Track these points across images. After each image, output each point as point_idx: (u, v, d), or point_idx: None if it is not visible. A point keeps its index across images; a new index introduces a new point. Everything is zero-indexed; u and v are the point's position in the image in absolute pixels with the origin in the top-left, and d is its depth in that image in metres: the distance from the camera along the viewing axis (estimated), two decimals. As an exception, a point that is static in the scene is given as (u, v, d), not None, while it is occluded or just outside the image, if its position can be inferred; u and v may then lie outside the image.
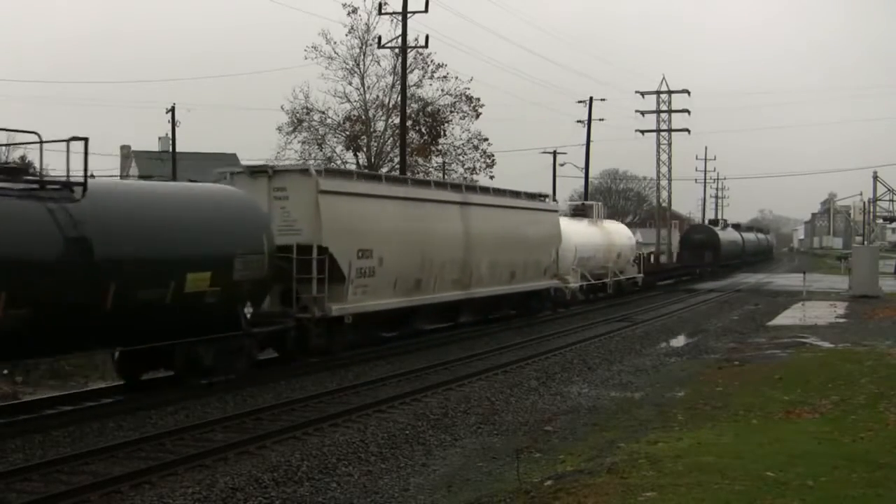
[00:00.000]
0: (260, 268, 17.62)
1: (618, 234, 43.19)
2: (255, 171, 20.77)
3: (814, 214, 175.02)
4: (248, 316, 17.43)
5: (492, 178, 51.55)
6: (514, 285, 29.46)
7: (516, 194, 31.59)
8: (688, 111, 71.69)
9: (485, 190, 30.28)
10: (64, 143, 14.72)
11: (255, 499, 10.70)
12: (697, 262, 64.46)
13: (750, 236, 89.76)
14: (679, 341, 27.09)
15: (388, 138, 47.62)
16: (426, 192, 25.13)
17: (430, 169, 50.10)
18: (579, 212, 41.16)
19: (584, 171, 59.58)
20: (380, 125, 48.17)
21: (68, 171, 14.81)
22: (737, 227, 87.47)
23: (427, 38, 40.50)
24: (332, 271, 19.95)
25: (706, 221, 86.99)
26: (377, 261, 21.50)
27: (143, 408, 15.49)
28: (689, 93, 71.37)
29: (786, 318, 32.95)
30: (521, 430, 14.66)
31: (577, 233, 37.02)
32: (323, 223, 19.88)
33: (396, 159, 44.04)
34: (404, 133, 39.59)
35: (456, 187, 27.96)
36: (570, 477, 10.50)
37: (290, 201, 20.14)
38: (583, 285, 37.68)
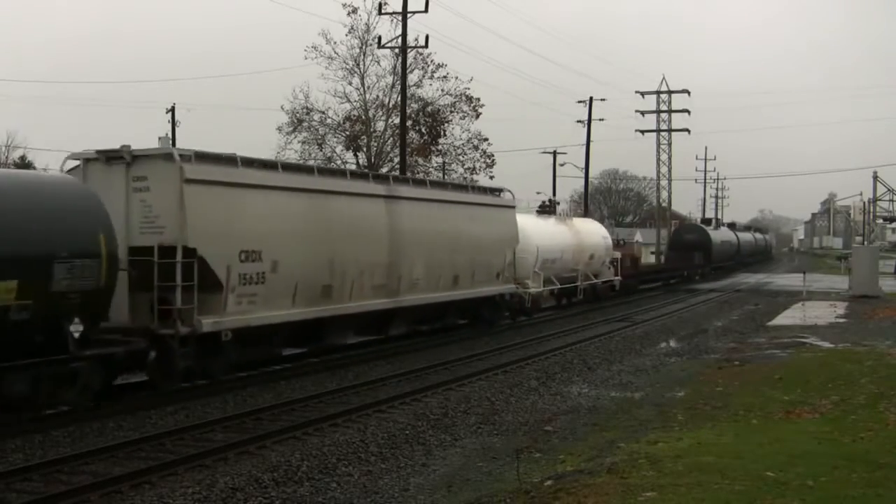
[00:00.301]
0: (94, 275, 14.35)
1: (590, 233, 38.78)
2: (111, 157, 17.10)
3: (814, 214, 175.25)
4: (77, 335, 14.17)
5: (492, 178, 51.62)
6: (457, 291, 25.76)
7: (461, 188, 29.13)
8: (688, 111, 71.93)
9: (419, 182, 27.21)
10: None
11: (255, 499, 10.70)
12: (686, 263, 60.53)
13: (746, 236, 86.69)
14: (679, 341, 27.09)
15: (388, 138, 47.64)
16: (339, 184, 21.09)
17: (430, 169, 50.15)
18: (546, 209, 37.32)
19: (584, 171, 59.64)
20: (380, 125, 48.21)
21: None
22: (732, 226, 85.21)
23: (427, 38, 40.58)
24: (203, 278, 16.49)
25: (701, 221, 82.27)
26: (269, 265, 18.02)
27: (144, 408, 15.50)
28: (689, 93, 71.66)
29: (786, 318, 32.95)
30: (521, 430, 14.66)
31: (540, 232, 32.91)
32: (189, 219, 16.42)
33: (396, 159, 44.07)
34: (404, 133, 39.60)
35: (381, 178, 24.37)
36: (570, 477, 10.50)
37: (151, 193, 16.72)
38: (553, 290, 34.57)
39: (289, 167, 20.14)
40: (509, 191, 30.88)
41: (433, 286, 24.40)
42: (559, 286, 34.55)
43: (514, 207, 30.45)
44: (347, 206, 20.91)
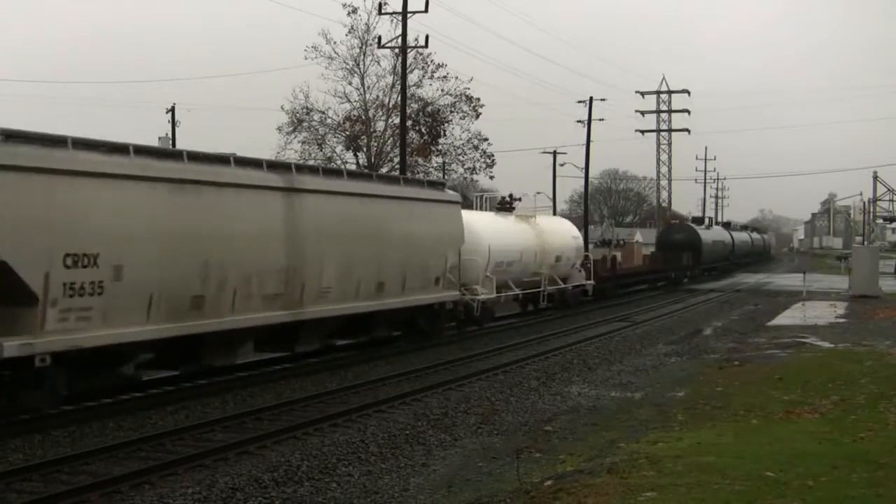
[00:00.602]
0: None
1: (556, 233, 34.48)
2: None
3: (814, 214, 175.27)
4: None
5: (492, 178, 51.76)
6: (383, 301, 21.87)
7: (391, 180, 25.48)
8: (688, 111, 72.22)
9: (333, 173, 22.51)
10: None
11: (255, 499, 10.70)
12: (673, 265, 56.15)
13: (742, 236, 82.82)
14: (679, 341, 27.08)
15: (388, 138, 47.67)
16: (216, 172, 17.13)
17: (431, 169, 50.18)
18: (505, 205, 33.07)
19: (584, 171, 59.63)
20: (380, 125, 48.24)
21: None
22: (726, 225, 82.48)
23: (427, 38, 40.58)
24: (8, 288, 13.29)
25: (692, 220, 74.92)
26: (109, 271, 14.54)
27: (143, 408, 15.50)
28: (688, 93, 71.96)
29: (786, 318, 32.96)
30: (521, 430, 14.66)
31: (493, 231, 29.00)
32: None
33: (396, 159, 44.09)
34: (404, 133, 39.61)
35: (278, 167, 19.86)
36: (570, 477, 10.50)
37: None
38: (515, 295, 31.10)
39: (144, 151, 16.23)
40: (453, 187, 27.02)
41: (350, 295, 20.62)
42: (519, 291, 30.94)
43: (458, 203, 26.71)
44: (228, 199, 17.26)
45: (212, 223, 16.73)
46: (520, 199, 33.67)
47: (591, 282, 37.48)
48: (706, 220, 71.13)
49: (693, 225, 66.59)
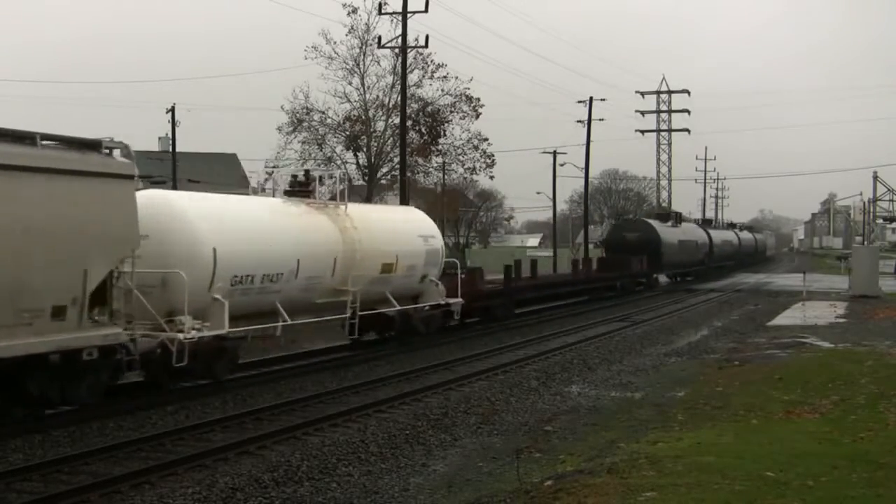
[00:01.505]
0: None
1: (385, 231, 22.75)
2: None
3: (814, 214, 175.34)
4: None
5: (492, 178, 51.71)
6: None
7: None
8: (688, 111, 72.29)
9: None
10: None
11: (255, 499, 10.71)
12: (618, 272, 43.98)
13: (724, 235, 71.72)
14: (679, 341, 27.08)
15: (388, 138, 47.64)
16: None
17: (431, 169, 50.21)
18: (299, 189, 21.47)
19: (584, 170, 59.60)
20: (380, 125, 48.19)
21: None
22: (707, 223, 73.13)
23: (427, 38, 40.51)
24: None
25: (655, 216, 59.19)
26: None
27: (143, 408, 15.50)
28: (689, 93, 72.02)
29: (786, 318, 32.97)
30: (521, 430, 14.67)
31: (228, 225, 17.72)
32: None
33: (396, 159, 44.09)
34: (404, 133, 39.61)
35: None
36: (570, 477, 10.50)
37: None
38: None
39: None
40: (124, 145, 15.22)
41: None
42: (287, 322, 18.69)
43: (130, 178, 15.22)
44: None
45: None
46: (320, 179, 22.80)
47: (459, 300, 25.58)
48: (673, 216, 58.20)
49: (650, 221, 53.87)
